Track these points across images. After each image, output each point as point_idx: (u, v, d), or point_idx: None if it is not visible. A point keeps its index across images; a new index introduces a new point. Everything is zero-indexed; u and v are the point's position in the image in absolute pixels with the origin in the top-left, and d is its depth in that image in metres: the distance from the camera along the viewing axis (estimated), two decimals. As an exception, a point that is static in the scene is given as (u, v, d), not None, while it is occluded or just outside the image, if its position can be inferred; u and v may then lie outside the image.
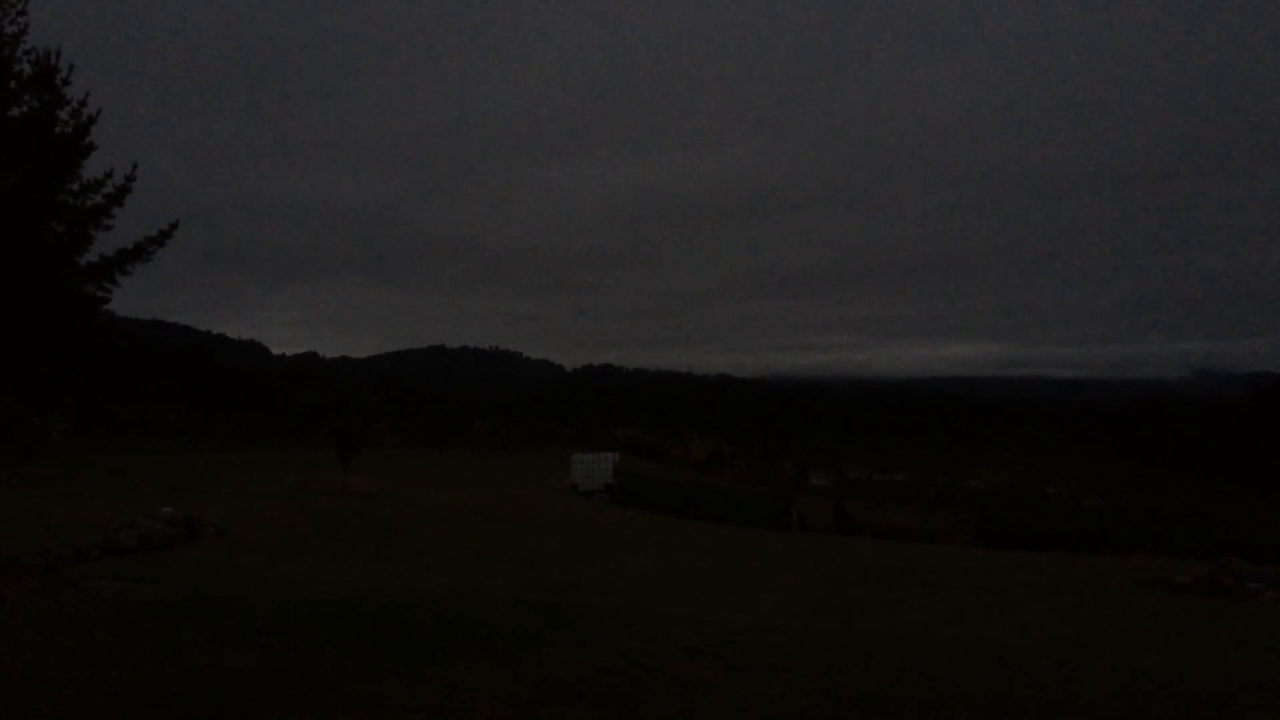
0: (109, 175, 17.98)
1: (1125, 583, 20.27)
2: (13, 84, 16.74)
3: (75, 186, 17.68)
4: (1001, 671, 8.94)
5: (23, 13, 16.84)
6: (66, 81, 17.22)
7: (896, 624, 13.26)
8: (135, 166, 18.29)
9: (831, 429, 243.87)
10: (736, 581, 18.65)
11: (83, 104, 17.52)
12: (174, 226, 18.97)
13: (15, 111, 16.93)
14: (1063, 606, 16.50)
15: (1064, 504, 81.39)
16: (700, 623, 11.10)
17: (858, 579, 19.78)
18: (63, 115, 17.38)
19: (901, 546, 29.81)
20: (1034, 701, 7.66)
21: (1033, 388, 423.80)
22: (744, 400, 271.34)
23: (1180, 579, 20.60)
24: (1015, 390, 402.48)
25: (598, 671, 7.89)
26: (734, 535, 29.57)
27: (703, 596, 15.82)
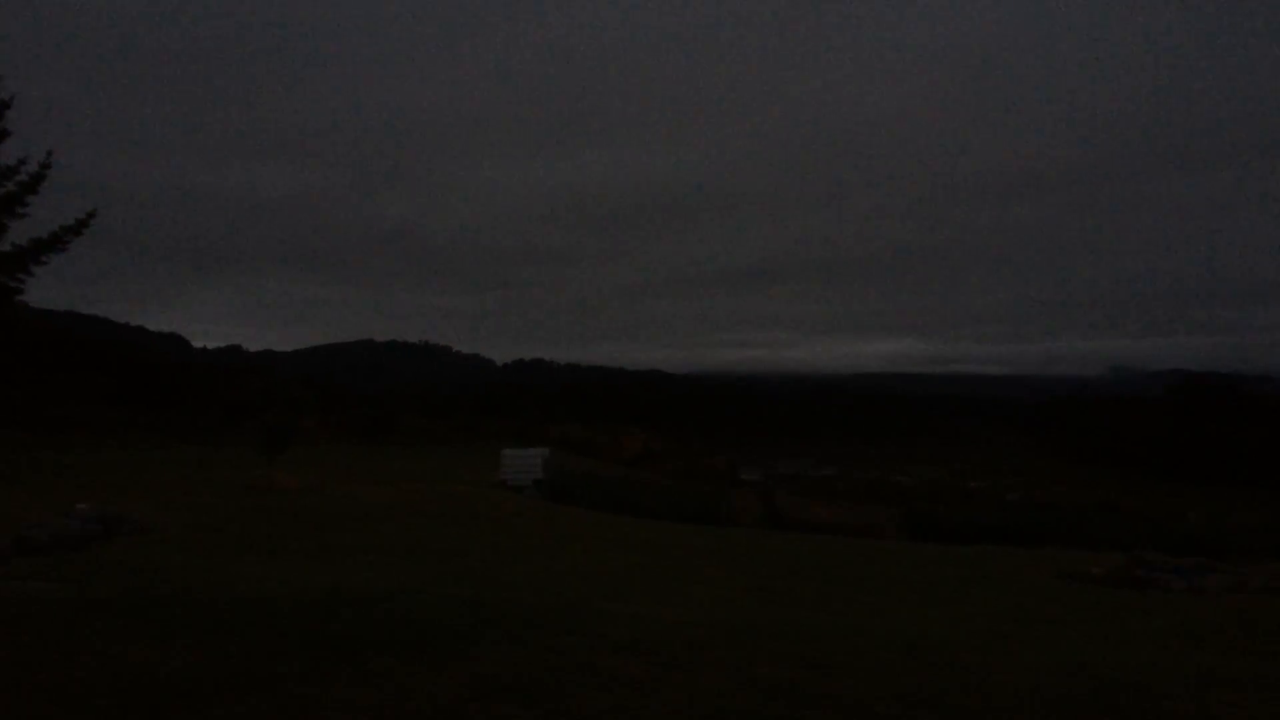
0: (22, 162, 17.50)
1: (1044, 574, 20.80)
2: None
3: (-15, 174, 17.17)
4: (926, 663, 9.11)
5: None
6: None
7: (824, 617, 13.45)
8: (50, 154, 17.82)
9: (763, 425, 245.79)
10: (667, 577, 18.73)
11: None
12: (90, 215, 18.49)
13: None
14: (985, 598, 16.89)
15: (987, 498, 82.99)
16: (630, 618, 11.13)
17: (787, 573, 20.01)
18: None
19: (830, 541, 30.20)
20: (956, 692, 7.83)
21: (958, 384, 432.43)
22: (676, 396, 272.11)
23: (1096, 570, 21.21)
24: (941, 386, 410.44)
25: (527, 667, 7.88)
26: (665, 530, 29.69)
27: (633, 592, 15.87)
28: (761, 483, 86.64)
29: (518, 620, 10.28)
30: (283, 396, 72.52)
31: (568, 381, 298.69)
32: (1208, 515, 55.04)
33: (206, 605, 10.24)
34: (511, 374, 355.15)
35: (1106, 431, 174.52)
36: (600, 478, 46.18)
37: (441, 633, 9.26)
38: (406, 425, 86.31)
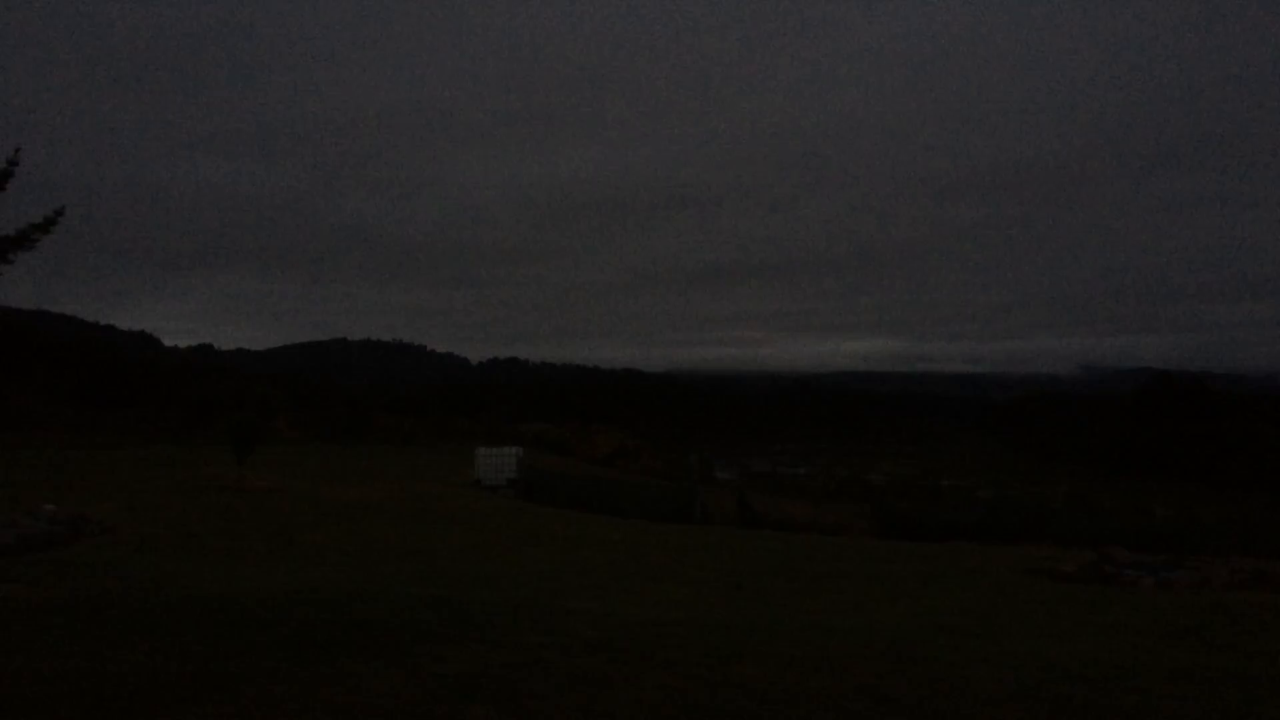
0: (-11, 160, 17.23)
1: (1013, 571, 20.98)
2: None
3: (-49, 172, 16.89)
4: (895, 660, 9.18)
5: None
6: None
7: (795, 615, 13.51)
8: (18, 150, 17.55)
9: (736, 423, 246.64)
10: (640, 575, 18.75)
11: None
12: (59, 213, 18.25)
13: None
14: (954, 595, 17.01)
15: (957, 496, 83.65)
16: (602, 617, 11.14)
17: (759, 571, 20.08)
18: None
19: (801, 538, 30.32)
20: (924, 688, 7.91)
21: (929, 382, 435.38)
22: (650, 394, 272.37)
23: (1064, 567, 21.42)
24: (912, 385, 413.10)
25: (497, 667, 7.86)
26: (638, 529, 29.71)
27: (605, 591, 15.88)
28: (735, 481, 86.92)
29: (488, 620, 10.27)
30: (253, 396, 71.83)
31: (542, 380, 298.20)
32: (1175, 512, 55.73)
33: (172, 607, 10.15)
34: (486, 373, 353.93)
35: (1076, 429, 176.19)
36: (573, 477, 46.15)
37: (410, 633, 9.22)
38: (379, 424, 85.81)
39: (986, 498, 78.68)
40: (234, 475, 30.96)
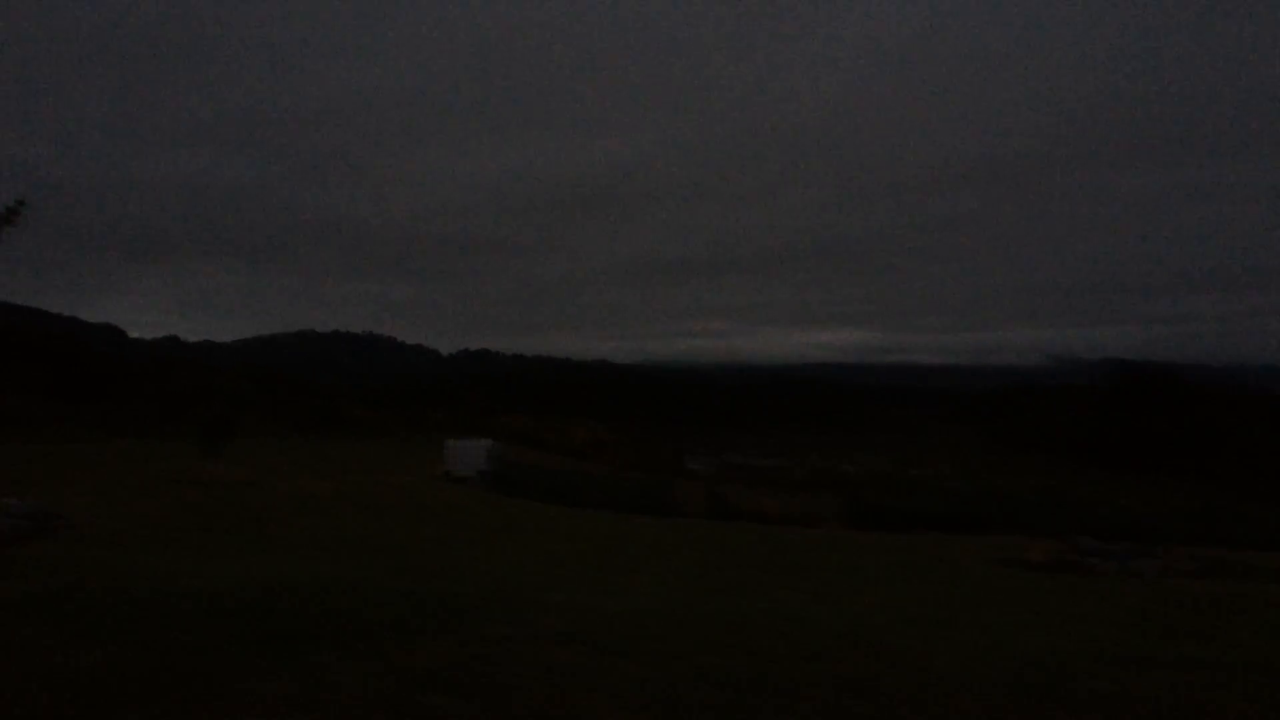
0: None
1: (983, 561, 21.19)
2: None
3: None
4: (866, 649, 9.25)
5: None
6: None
7: (768, 606, 13.57)
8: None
9: (711, 415, 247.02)
10: (612, 567, 18.77)
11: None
12: (20, 204, 18.02)
13: None
14: (923, 585, 17.15)
15: (930, 487, 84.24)
16: (573, 609, 11.14)
17: (731, 562, 20.15)
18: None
19: (774, 530, 30.45)
20: (891, 677, 7.97)
21: (901, 374, 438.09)
22: (624, 386, 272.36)
23: (1033, 556, 21.67)
24: (885, 376, 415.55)
25: (467, 660, 7.84)
26: (611, 521, 29.73)
27: (578, 582, 15.88)
28: (708, 473, 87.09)
29: (459, 613, 10.24)
30: (222, 388, 71.20)
31: (514, 372, 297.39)
32: (1141, 501, 56.39)
33: (139, 601, 10.05)
34: (457, 365, 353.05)
35: (1046, 420, 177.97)
36: (545, 469, 46.13)
37: (380, 625, 9.18)
38: (350, 417, 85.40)
39: (958, 488, 79.36)
40: (204, 469, 30.69)
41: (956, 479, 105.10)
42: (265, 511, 24.67)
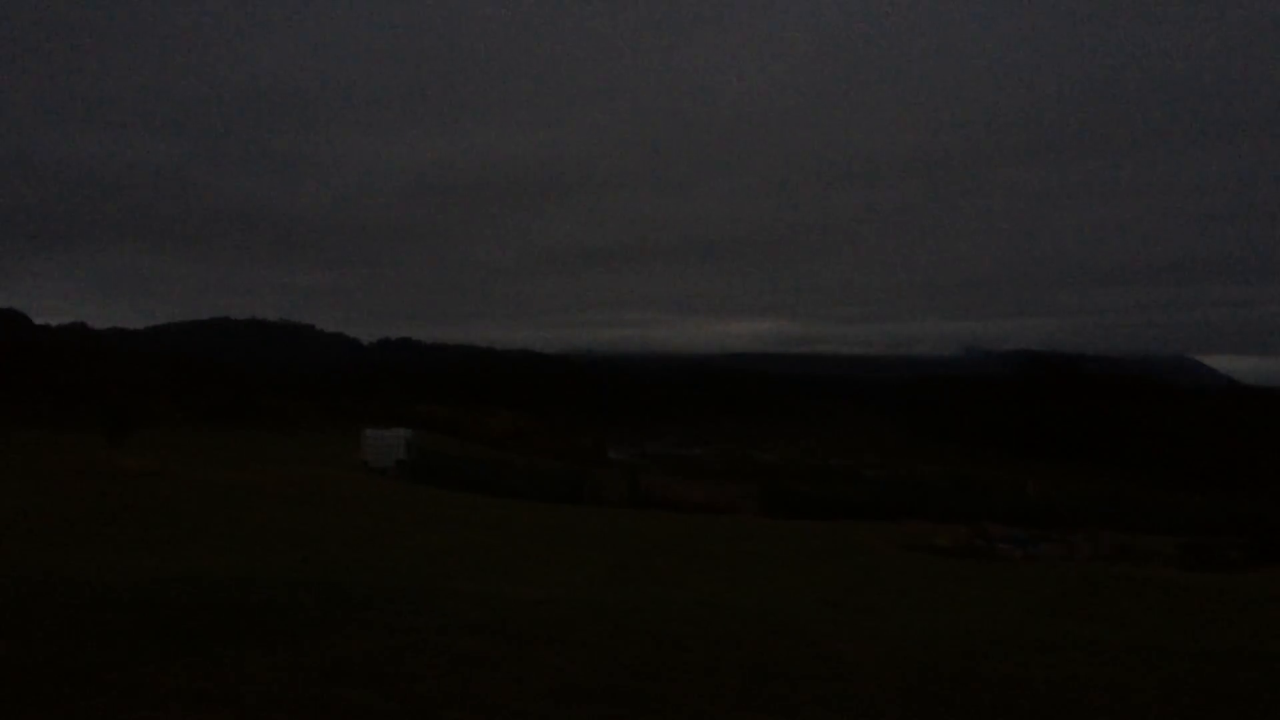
0: None
1: (892, 547, 21.67)
2: None
3: None
4: (774, 635, 9.43)
5: None
6: None
7: (680, 593, 13.73)
8: None
9: (633, 404, 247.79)
10: (527, 556, 18.78)
11: None
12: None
13: None
14: (834, 570, 17.49)
15: (846, 474, 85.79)
16: (488, 598, 11.14)
17: (647, 551, 20.31)
18: None
19: (692, 518, 30.75)
20: (801, 661, 8.15)
21: (821, 364, 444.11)
22: (546, 376, 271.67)
23: (941, 542, 22.25)
24: (805, 366, 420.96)
25: (378, 651, 7.80)
26: (529, 510, 29.71)
27: (492, 572, 15.87)
28: (629, 462, 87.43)
29: (371, 604, 10.17)
30: (130, 376, 69.20)
31: (436, 361, 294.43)
32: (1045, 488, 58.15)
33: (34, 593, 9.77)
34: (377, 354, 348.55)
35: (960, 410, 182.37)
36: (464, 458, 45.88)
37: (293, 619, 9.07)
38: (265, 406, 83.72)
39: (873, 476, 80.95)
40: (110, 459, 29.89)
41: (873, 467, 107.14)
42: (174, 503, 24.12)
